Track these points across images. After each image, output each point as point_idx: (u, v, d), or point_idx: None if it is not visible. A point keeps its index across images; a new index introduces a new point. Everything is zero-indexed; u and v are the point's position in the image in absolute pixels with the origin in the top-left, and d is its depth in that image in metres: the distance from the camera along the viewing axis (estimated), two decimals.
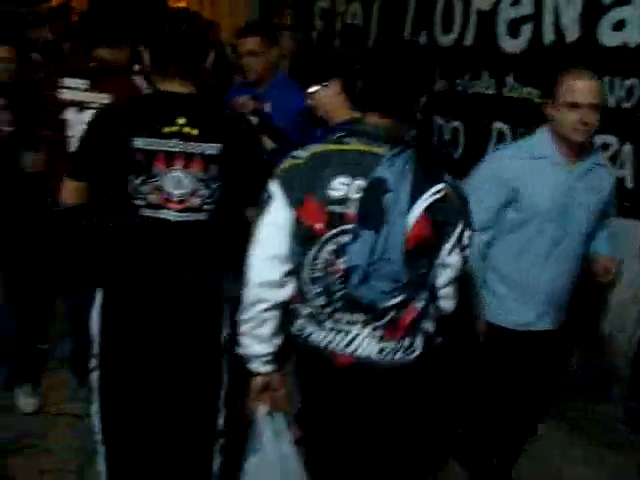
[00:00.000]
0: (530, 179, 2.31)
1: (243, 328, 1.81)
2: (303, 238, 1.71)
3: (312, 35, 4.94)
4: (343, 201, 1.66)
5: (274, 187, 1.71)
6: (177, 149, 1.91)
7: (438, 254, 1.70)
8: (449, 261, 1.72)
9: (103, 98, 2.68)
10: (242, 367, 1.89)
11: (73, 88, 2.74)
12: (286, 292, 1.78)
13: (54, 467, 2.79)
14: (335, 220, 1.67)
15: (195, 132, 1.92)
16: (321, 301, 1.74)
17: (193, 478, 2.38)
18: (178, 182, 1.93)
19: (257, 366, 1.84)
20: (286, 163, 1.73)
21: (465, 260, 1.75)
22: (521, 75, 3.43)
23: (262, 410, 1.85)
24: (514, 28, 3.44)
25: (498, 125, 3.58)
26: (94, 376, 2.21)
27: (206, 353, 2.18)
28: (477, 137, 3.70)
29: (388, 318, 1.70)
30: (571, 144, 2.29)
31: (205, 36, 1.98)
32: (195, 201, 1.96)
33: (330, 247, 1.69)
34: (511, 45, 3.47)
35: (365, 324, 1.72)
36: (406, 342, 1.74)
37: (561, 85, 2.25)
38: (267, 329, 1.79)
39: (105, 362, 2.16)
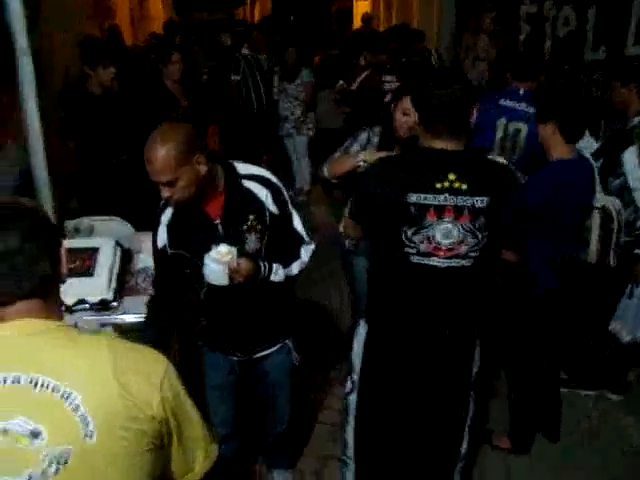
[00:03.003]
0: None
1: None
2: None
3: (519, 39, 4.85)
4: None
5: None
6: (448, 203, 2.02)
7: None
8: None
9: None
10: None
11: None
12: None
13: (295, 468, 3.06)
14: None
15: (464, 187, 2.01)
16: None
17: None
18: (448, 232, 2.04)
19: None
20: None
21: None
22: None
23: None
24: None
25: None
26: (351, 399, 2.42)
27: (457, 388, 2.32)
28: None
29: None
30: None
31: (471, 93, 2.06)
32: (462, 249, 2.07)
33: None
34: None
35: None
36: None
37: None
38: None
39: (364, 388, 2.36)
